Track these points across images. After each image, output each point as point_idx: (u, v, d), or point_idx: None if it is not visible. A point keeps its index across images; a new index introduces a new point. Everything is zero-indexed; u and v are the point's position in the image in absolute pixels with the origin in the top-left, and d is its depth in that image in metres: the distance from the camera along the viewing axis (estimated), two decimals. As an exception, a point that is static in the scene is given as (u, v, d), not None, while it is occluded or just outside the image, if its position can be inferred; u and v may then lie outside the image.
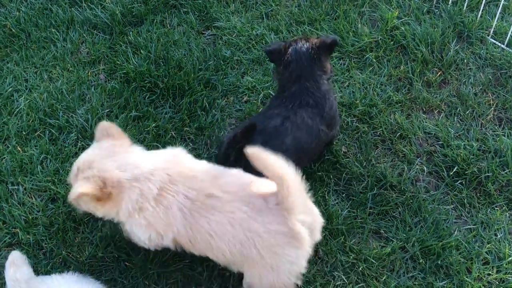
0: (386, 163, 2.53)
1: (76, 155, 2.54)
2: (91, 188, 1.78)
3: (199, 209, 1.81)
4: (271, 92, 2.81)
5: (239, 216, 1.78)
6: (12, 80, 2.89)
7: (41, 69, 2.96)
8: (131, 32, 3.15)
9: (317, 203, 2.37)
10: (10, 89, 2.83)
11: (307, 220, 1.81)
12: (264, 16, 3.26)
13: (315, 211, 1.92)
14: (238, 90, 2.88)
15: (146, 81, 2.88)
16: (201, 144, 2.63)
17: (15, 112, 2.74)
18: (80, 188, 1.77)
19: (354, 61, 2.95)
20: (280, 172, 1.70)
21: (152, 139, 2.62)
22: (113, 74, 2.94)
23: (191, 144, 2.63)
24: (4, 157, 2.51)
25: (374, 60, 2.93)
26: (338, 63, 2.94)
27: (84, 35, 3.15)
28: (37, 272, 2.07)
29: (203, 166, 1.95)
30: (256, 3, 3.35)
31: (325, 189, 2.44)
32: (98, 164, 1.83)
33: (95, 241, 2.24)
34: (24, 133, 2.64)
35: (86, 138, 2.63)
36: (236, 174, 1.91)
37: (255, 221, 1.77)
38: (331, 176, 2.48)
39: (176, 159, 1.94)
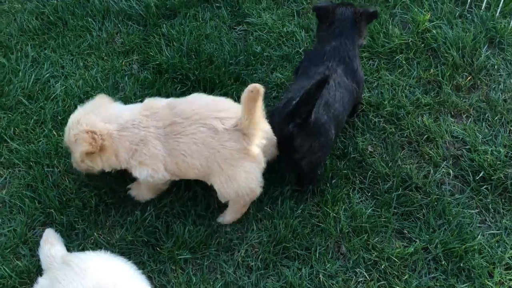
0: (412, 165, 2.55)
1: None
2: (87, 147, 2.08)
3: (169, 136, 2.13)
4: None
5: (199, 136, 2.09)
6: (49, 66, 2.98)
7: (77, 57, 3.05)
8: (164, 25, 3.22)
9: (341, 200, 2.41)
10: (47, 75, 2.92)
11: (263, 142, 2.16)
12: (295, 14, 3.29)
13: (270, 132, 2.23)
14: (267, 86, 2.92)
15: (177, 73, 2.94)
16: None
17: (51, 97, 2.83)
18: (80, 149, 2.10)
19: (383, 62, 2.97)
20: (254, 113, 2.01)
21: (182, 130, 2.68)
22: (146, 64, 3.02)
23: (219, 136, 2.68)
24: (41, 140, 2.61)
25: (404, 61, 2.95)
26: (368, 63, 2.96)
27: (119, 25, 3.23)
28: (69, 251, 2.15)
29: (161, 103, 2.24)
30: (288, 1, 3.39)
31: (350, 186, 2.47)
32: (84, 119, 2.14)
33: (125, 224, 2.31)
34: (59, 118, 2.73)
35: (119, 125, 2.70)
36: (187, 100, 2.20)
37: (212, 139, 2.09)
38: (357, 175, 2.51)
39: (144, 105, 2.25)
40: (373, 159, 2.57)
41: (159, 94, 2.84)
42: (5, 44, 3.10)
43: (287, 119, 2.22)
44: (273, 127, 2.27)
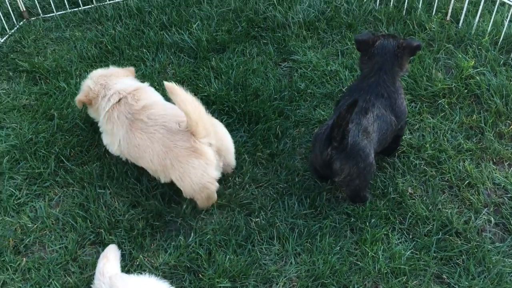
0: (453, 209, 2.56)
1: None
2: (81, 95, 2.67)
3: (132, 128, 2.47)
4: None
5: (157, 136, 2.39)
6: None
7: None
8: (214, 58, 3.38)
9: (380, 239, 2.44)
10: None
11: (213, 142, 2.39)
12: (339, 54, 3.41)
13: (226, 139, 2.54)
14: (309, 122, 3.01)
15: (224, 105, 3.07)
16: (272, 170, 2.76)
17: (105, 122, 2.99)
18: (78, 96, 2.70)
19: (426, 105, 3.02)
20: (186, 108, 2.26)
21: (227, 160, 2.78)
22: (195, 95, 3.11)
23: (262, 169, 2.77)
24: (95, 162, 2.76)
25: (446, 106, 2.99)
26: (410, 105, 3.02)
27: (171, 57, 3.42)
28: (116, 271, 2.25)
29: (151, 99, 2.59)
30: (333, 40, 3.51)
31: (390, 227, 2.50)
32: (95, 80, 2.67)
33: (169, 249, 2.40)
34: (111, 141, 2.88)
35: (167, 152, 2.83)
36: (161, 106, 2.52)
37: (168, 139, 2.37)
38: (396, 215, 2.54)
39: (139, 90, 2.63)
40: (413, 201, 2.59)
41: (206, 124, 2.97)
42: (66, 69, 3.33)
43: (326, 143, 2.33)
44: (315, 153, 2.41)
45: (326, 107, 3.07)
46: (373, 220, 2.49)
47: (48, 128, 2.93)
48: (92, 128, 2.94)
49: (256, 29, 3.62)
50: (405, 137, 2.85)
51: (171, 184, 2.65)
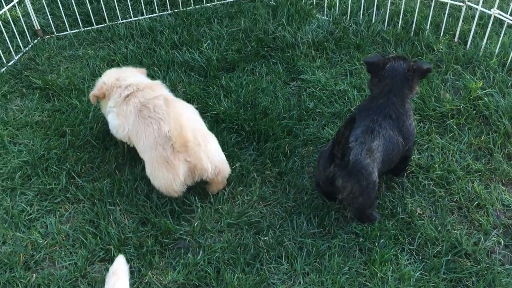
0: (462, 231, 2.55)
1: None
2: (95, 90, 2.83)
3: (140, 113, 2.64)
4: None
5: (150, 129, 2.55)
6: (116, 110, 3.21)
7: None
8: (223, 77, 3.43)
9: (389, 260, 2.43)
10: (114, 117, 3.14)
11: (190, 160, 2.48)
12: (348, 73, 3.44)
13: (204, 161, 2.52)
14: (318, 141, 3.03)
15: (234, 123, 3.11)
16: (280, 189, 2.78)
17: (115, 140, 3.03)
18: (92, 92, 2.86)
19: (434, 126, 3.04)
20: (170, 122, 2.37)
21: (236, 178, 2.80)
22: (205, 113, 3.20)
23: (270, 187, 2.79)
24: (105, 179, 2.79)
25: (454, 126, 3.00)
26: (418, 125, 3.04)
27: (182, 75, 3.47)
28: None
29: (159, 91, 2.78)
30: (341, 60, 3.55)
31: (399, 247, 2.49)
32: (108, 75, 2.86)
33: (177, 267, 2.41)
34: (120, 160, 2.91)
35: (176, 169, 2.85)
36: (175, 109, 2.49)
37: (155, 137, 2.52)
38: (405, 236, 2.54)
39: (153, 86, 2.81)
40: (422, 221, 2.59)
41: (215, 142, 3.00)
42: (78, 87, 3.39)
43: (328, 160, 2.36)
44: (319, 169, 2.46)
45: (335, 126, 3.09)
46: (382, 241, 2.49)
47: (60, 145, 2.97)
48: (103, 145, 2.98)
49: (265, 48, 3.68)
50: (413, 157, 2.86)
51: (181, 202, 2.67)
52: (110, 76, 2.84)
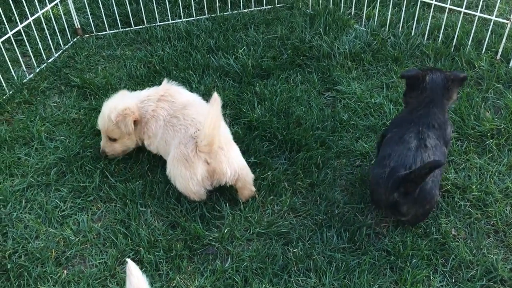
0: (498, 255, 2.47)
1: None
2: (134, 116, 2.72)
3: (169, 124, 2.66)
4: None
5: (178, 134, 2.58)
6: (150, 111, 3.24)
7: (176, 105, 3.29)
8: (258, 84, 3.42)
9: (421, 281, 2.37)
10: (148, 119, 3.17)
11: (210, 162, 2.49)
12: (384, 86, 3.39)
13: (224, 165, 2.51)
14: (351, 154, 2.99)
15: (266, 131, 3.09)
16: (311, 200, 2.74)
17: (149, 140, 3.06)
18: (127, 121, 2.72)
19: (472, 145, 2.96)
20: (207, 121, 2.36)
21: (266, 187, 2.79)
22: (238, 119, 3.20)
23: (301, 198, 2.76)
24: (137, 180, 2.81)
25: (494, 147, 2.92)
26: (456, 143, 2.96)
27: (216, 80, 3.48)
28: (152, 291, 2.27)
29: (185, 96, 2.77)
30: (378, 73, 3.50)
31: (431, 269, 2.42)
32: (117, 104, 2.74)
33: (205, 273, 2.40)
34: (153, 162, 2.93)
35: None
36: (195, 108, 2.66)
37: (183, 139, 2.54)
38: (438, 257, 2.47)
39: (169, 89, 2.79)
40: (457, 243, 2.51)
41: (247, 149, 2.99)
42: (115, 86, 3.43)
43: (392, 189, 2.33)
44: (379, 195, 2.42)
45: (369, 140, 3.05)
46: (414, 260, 2.43)
47: (95, 144, 3.01)
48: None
49: (301, 57, 3.66)
50: (450, 176, 2.78)
51: (211, 208, 2.67)
52: (126, 100, 2.75)
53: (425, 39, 3.69)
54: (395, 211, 2.42)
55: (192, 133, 2.53)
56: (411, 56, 3.60)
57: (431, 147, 2.40)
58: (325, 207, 2.69)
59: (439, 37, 3.66)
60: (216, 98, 2.33)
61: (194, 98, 2.79)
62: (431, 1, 3.63)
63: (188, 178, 2.49)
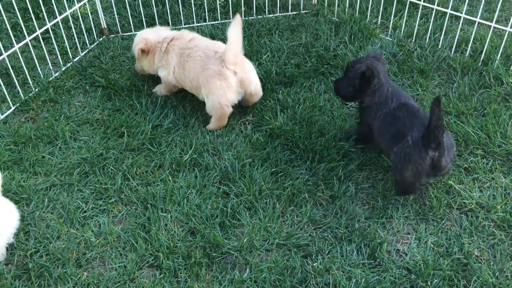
0: (522, 279, 2.42)
1: (216, 195, 2.78)
2: (141, 45, 3.24)
3: (183, 55, 3.10)
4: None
5: (198, 59, 3.03)
6: (172, 115, 3.25)
7: (197, 109, 3.29)
8: (281, 91, 3.41)
9: (441, 302, 2.33)
10: (170, 125, 3.18)
11: (238, 71, 2.97)
12: (409, 99, 3.34)
13: (249, 70, 3.10)
14: (374, 167, 2.95)
15: (288, 140, 3.08)
16: (332, 213, 2.72)
17: (170, 145, 3.07)
18: (138, 46, 3.27)
19: (498, 163, 2.90)
20: (233, 37, 2.85)
21: (286, 197, 2.77)
22: (260, 127, 3.19)
23: (321, 210, 2.73)
24: (158, 184, 2.82)
25: (521, 167, 2.86)
26: (481, 161, 2.91)
27: (240, 86, 3.47)
28: (171, 298, 2.27)
29: (189, 36, 3.21)
30: (403, 85, 3.46)
31: (452, 290, 2.39)
32: (145, 34, 3.29)
33: (224, 282, 2.40)
34: (174, 166, 2.94)
35: (229, 180, 2.85)
36: (204, 40, 3.17)
37: (204, 62, 3.00)
38: (460, 278, 2.42)
39: (183, 33, 3.25)
40: (479, 264, 2.47)
41: (268, 157, 2.98)
42: (139, 88, 3.45)
43: (426, 148, 2.47)
44: (419, 163, 2.52)
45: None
46: (435, 280, 2.39)
47: (117, 145, 3.03)
48: (159, 150, 3.02)
49: (325, 65, 3.63)
50: (474, 195, 2.74)
51: (231, 216, 2.66)
52: (149, 34, 3.25)
53: (452, 52, 3.64)
54: (435, 170, 2.54)
55: (213, 55, 2.97)
56: (438, 68, 3.55)
57: (419, 107, 2.72)
58: (346, 221, 2.66)
59: (466, 50, 3.60)
60: (238, 18, 2.82)
61: (198, 35, 3.28)
62: (460, 14, 3.57)
63: (225, 87, 2.93)
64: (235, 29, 2.82)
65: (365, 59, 2.85)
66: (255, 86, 3.11)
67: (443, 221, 2.66)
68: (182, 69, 3.11)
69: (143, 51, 3.24)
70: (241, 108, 3.30)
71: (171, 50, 3.15)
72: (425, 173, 2.54)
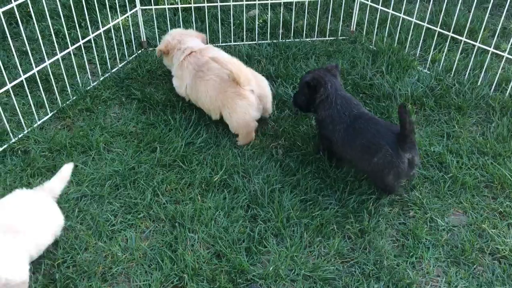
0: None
1: (244, 218, 2.76)
2: (161, 46, 3.46)
3: (196, 75, 3.21)
4: (437, 215, 2.79)
5: (212, 83, 3.13)
6: (204, 134, 3.26)
7: (229, 133, 3.28)
8: (314, 117, 3.39)
9: None
10: (202, 143, 3.19)
11: (255, 89, 3.09)
12: (445, 135, 3.29)
13: (265, 87, 3.23)
14: (405, 203, 2.90)
15: (319, 168, 3.05)
16: (360, 247, 2.67)
17: (201, 164, 3.07)
18: (158, 47, 3.51)
19: (535, 210, 2.81)
20: (227, 67, 2.99)
21: (315, 227, 2.74)
22: (291, 152, 3.17)
23: (349, 244, 2.69)
24: (187, 203, 2.82)
25: (559, 216, 2.76)
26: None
27: (273, 108, 3.46)
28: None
29: (208, 54, 3.26)
30: (439, 120, 3.41)
31: None
32: (173, 35, 3.46)
33: (247, 310, 2.37)
34: (204, 185, 2.94)
35: (257, 204, 2.83)
36: (220, 60, 3.08)
37: (219, 85, 3.10)
38: (490, 328, 2.34)
39: (207, 49, 3.34)
40: (511, 316, 2.38)
41: (298, 184, 2.96)
42: (173, 104, 3.48)
43: (404, 151, 2.64)
44: (395, 169, 2.67)
45: (425, 190, 2.95)
46: (464, 329, 2.32)
47: (149, 160, 3.05)
48: (190, 168, 3.03)
49: (360, 94, 3.61)
50: (508, 241, 2.66)
51: (258, 242, 2.63)
52: (174, 37, 3.40)
53: (492, 90, 3.57)
54: (411, 169, 2.70)
55: (227, 78, 3.04)
56: (476, 106, 3.48)
57: (368, 112, 2.93)
58: (374, 257, 2.61)
59: (507, 90, 3.53)
60: (213, 57, 3.07)
61: (221, 53, 3.32)
62: (502, 53, 3.51)
63: (247, 106, 3.04)
64: (222, 61, 3.02)
65: (316, 70, 3.05)
66: (270, 103, 3.25)
67: (475, 266, 2.59)
68: (195, 91, 3.22)
69: (163, 52, 3.46)
70: (274, 132, 3.30)
71: (186, 67, 3.27)
72: (404, 174, 2.70)
